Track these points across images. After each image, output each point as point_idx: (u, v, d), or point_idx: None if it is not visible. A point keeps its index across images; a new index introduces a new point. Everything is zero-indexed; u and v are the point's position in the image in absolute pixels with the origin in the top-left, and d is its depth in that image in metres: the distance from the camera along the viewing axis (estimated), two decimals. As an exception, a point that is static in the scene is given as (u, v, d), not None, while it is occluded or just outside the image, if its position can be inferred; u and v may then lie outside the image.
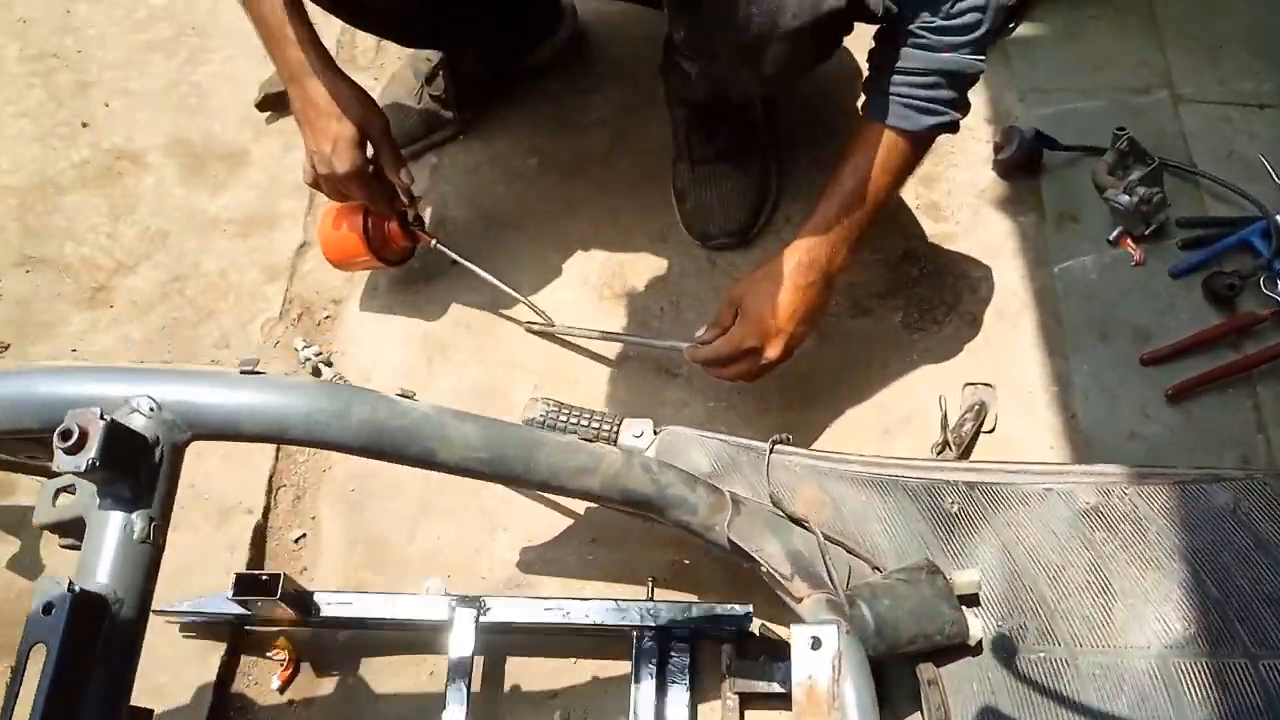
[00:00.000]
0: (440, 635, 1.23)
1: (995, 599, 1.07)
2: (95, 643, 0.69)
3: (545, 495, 1.41)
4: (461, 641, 1.21)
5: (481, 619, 1.23)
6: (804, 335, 1.29)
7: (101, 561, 0.71)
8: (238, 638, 1.34)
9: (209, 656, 1.31)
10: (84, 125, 1.74)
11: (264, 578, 1.19)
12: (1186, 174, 1.59)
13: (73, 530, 0.75)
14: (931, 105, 1.20)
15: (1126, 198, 1.52)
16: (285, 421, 0.78)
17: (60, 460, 0.69)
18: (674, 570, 1.35)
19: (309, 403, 0.79)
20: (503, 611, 1.25)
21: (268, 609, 1.25)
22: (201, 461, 1.45)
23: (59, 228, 1.66)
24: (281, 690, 1.31)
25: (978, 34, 1.16)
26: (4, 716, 0.64)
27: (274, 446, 1.47)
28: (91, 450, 0.69)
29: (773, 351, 1.25)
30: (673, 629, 1.24)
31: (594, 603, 1.25)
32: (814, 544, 1.03)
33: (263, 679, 1.33)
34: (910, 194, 1.63)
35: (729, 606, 1.24)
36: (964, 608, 1.03)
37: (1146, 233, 1.54)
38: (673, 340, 1.37)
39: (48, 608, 0.66)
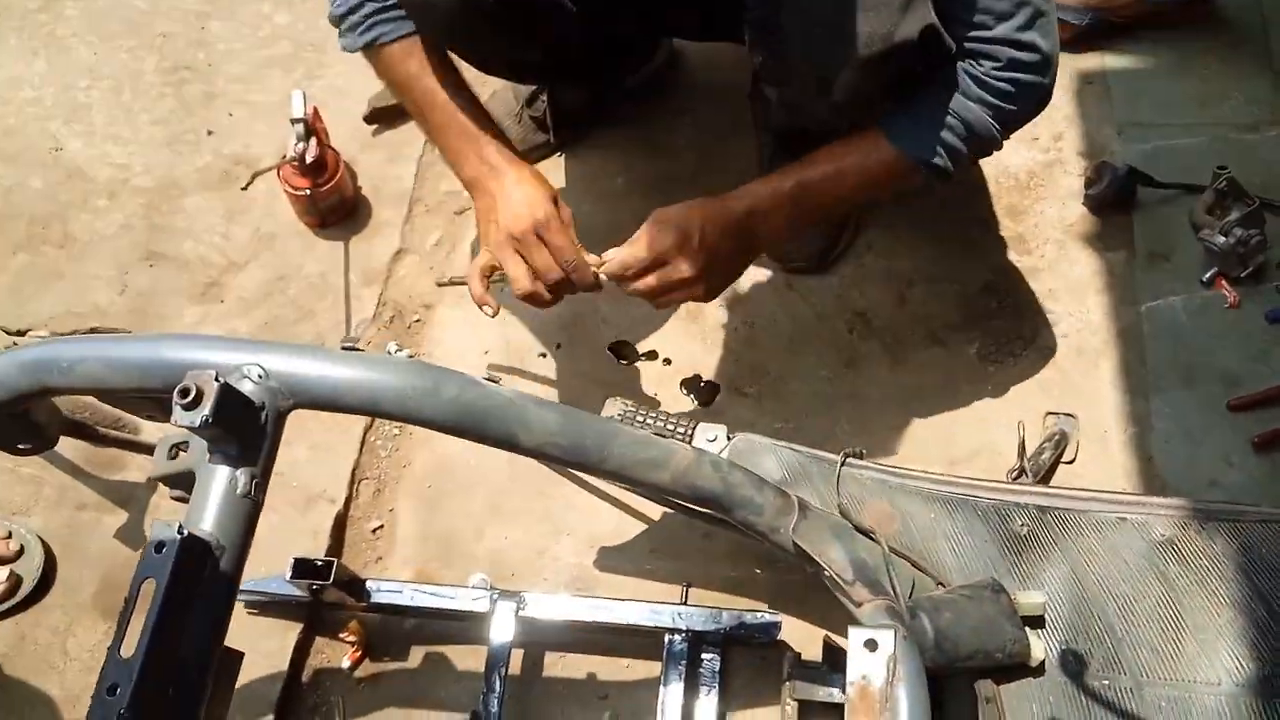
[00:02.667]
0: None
1: (1061, 624, 1.06)
2: (198, 582, 0.74)
3: (609, 503, 1.45)
4: (501, 631, 1.27)
5: (520, 612, 1.28)
6: (721, 278, 1.25)
7: (208, 511, 0.78)
8: (313, 618, 1.40)
9: (286, 634, 1.38)
10: (209, 133, 1.86)
11: (319, 563, 1.26)
12: (1293, 216, 1.55)
13: (182, 483, 0.82)
14: (944, 147, 1.20)
15: (1222, 238, 1.50)
16: (379, 396, 0.83)
17: (178, 415, 0.75)
18: (726, 584, 1.37)
19: (402, 380, 0.84)
20: (540, 607, 1.30)
21: (325, 593, 1.31)
22: (290, 450, 1.52)
23: (180, 227, 1.77)
24: (351, 670, 1.37)
25: (1016, 108, 1.18)
26: (116, 639, 0.70)
27: (358, 440, 1.54)
28: (206, 408, 0.75)
29: (687, 268, 1.18)
30: (705, 634, 1.28)
31: (628, 603, 1.29)
32: (879, 554, 1.04)
33: (334, 658, 1.39)
34: (995, 225, 1.64)
35: (758, 615, 1.27)
36: (1028, 629, 1.03)
37: (1243, 275, 1.51)
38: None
39: (159, 546, 0.72)
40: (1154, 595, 1.07)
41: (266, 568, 1.36)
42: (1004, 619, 1.01)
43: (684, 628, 1.26)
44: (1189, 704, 1.01)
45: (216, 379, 0.76)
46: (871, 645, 0.87)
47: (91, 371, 0.83)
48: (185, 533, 0.73)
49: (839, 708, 1.22)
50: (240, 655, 0.82)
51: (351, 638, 1.37)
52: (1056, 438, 1.44)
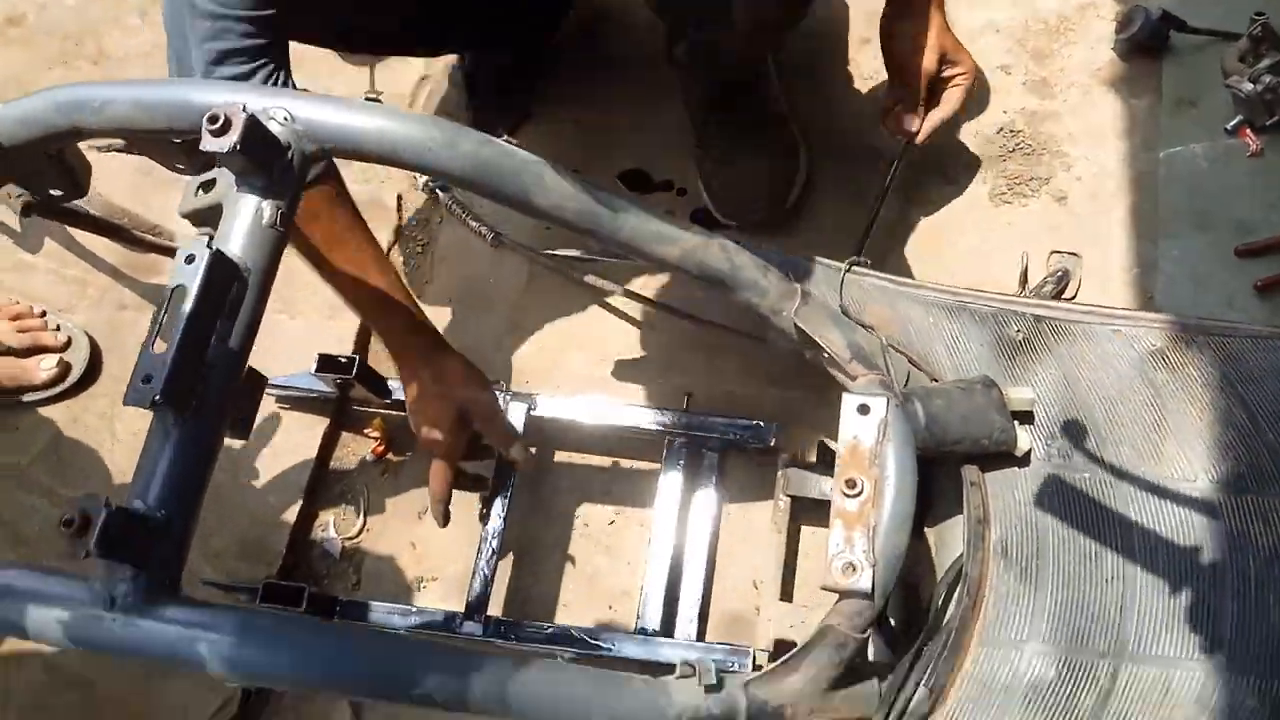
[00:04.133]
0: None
1: (1048, 421, 1.10)
2: (225, 299, 0.80)
3: (625, 322, 1.50)
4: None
5: (531, 412, 1.35)
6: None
7: (235, 236, 0.82)
8: (339, 415, 1.48)
9: (314, 427, 1.46)
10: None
11: (342, 359, 1.34)
12: (1328, 67, 1.52)
13: (210, 219, 0.86)
14: None
15: (1250, 85, 1.48)
16: (400, 145, 0.87)
17: (206, 141, 0.79)
18: (730, 400, 1.42)
19: (423, 132, 0.88)
20: (550, 407, 1.36)
21: (349, 389, 1.38)
22: (320, 263, 1.59)
23: (210, 50, 1.79)
24: (374, 462, 1.45)
25: None
26: (150, 337, 0.76)
27: (386, 247, 1.59)
28: (234, 135, 0.79)
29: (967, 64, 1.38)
30: (704, 438, 1.34)
31: (632, 406, 1.36)
32: (876, 345, 1.08)
33: (359, 451, 1.47)
34: (1019, 69, 1.63)
35: (754, 421, 1.34)
36: (1016, 423, 1.07)
37: (1268, 123, 1.50)
38: None
39: (190, 258, 0.78)
40: (1140, 399, 1.10)
41: (296, 368, 1.44)
42: (993, 410, 1.05)
43: (683, 429, 1.32)
44: (1164, 497, 1.05)
45: (244, 110, 0.80)
46: (864, 409, 0.92)
47: (121, 112, 0.87)
48: (215, 248, 0.78)
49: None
50: (264, 379, 0.88)
51: (375, 433, 1.45)
52: (1059, 274, 1.45)
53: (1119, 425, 1.10)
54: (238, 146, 0.79)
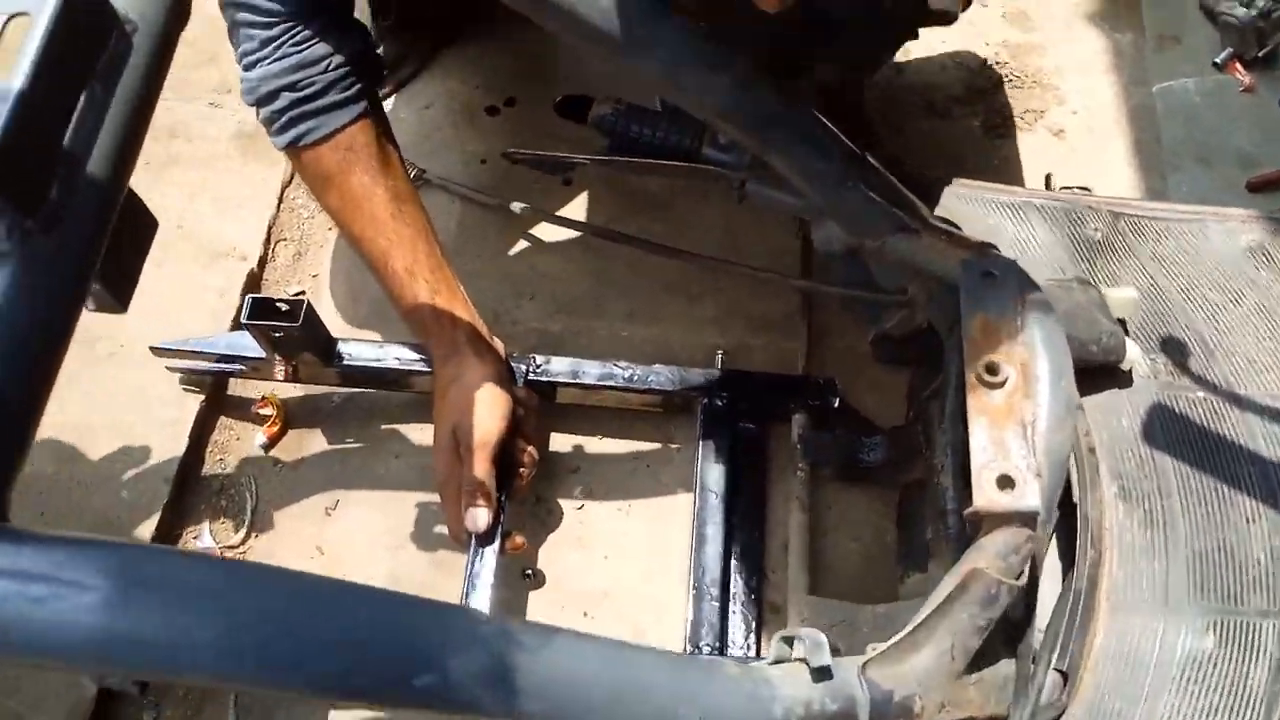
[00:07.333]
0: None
1: (1146, 334, 0.91)
2: (94, 53, 0.49)
3: (578, 267, 1.23)
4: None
5: (531, 375, 1.06)
6: None
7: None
8: (218, 393, 1.14)
9: (185, 402, 1.11)
10: None
11: (282, 304, 0.97)
12: (1312, -4, 1.45)
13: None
14: None
15: (1244, 10, 1.38)
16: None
17: None
18: (713, 353, 1.16)
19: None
20: (556, 369, 1.08)
21: (286, 349, 1.03)
22: (192, 204, 1.25)
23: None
24: (267, 448, 1.11)
25: None
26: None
27: (276, 195, 1.28)
28: None
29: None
30: (743, 404, 1.08)
31: (659, 367, 1.08)
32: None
33: (245, 436, 1.12)
34: (996, 1, 1.49)
35: (817, 376, 1.09)
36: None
37: (1259, 55, 1.40)
38: None
39: (34, -18, 0.47)
40: (1246, 303, 0.93)
41: (167, 328, 1.10)
42: (1096, 309, 0.85)
43: (726, 393, 1.07)
44: (1292, 416, 0.87)
45: None
46: (989, 275, 0.69)
47: None
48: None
49: (856, 472, 1.06)
50: (153, 219, 0.57)
51: (267, 409, 1.12)
52: (1076, 209, 1.30)
53: (1227, 334, 0.92)
54: None
